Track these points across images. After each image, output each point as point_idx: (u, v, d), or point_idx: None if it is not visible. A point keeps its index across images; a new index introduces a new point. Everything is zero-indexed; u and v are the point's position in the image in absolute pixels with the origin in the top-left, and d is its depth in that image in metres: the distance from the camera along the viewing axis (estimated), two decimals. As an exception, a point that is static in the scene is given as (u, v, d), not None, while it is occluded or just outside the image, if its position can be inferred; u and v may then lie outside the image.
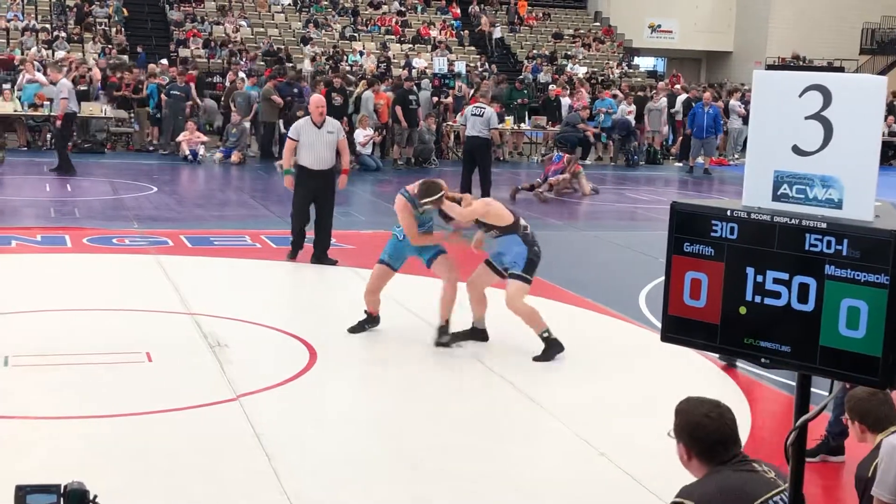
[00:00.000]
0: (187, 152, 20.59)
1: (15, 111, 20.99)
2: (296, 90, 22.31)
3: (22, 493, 2.70)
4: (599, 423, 6.39)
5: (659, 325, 8.77)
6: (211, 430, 6.00)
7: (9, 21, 31.02)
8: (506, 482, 5.43)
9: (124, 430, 5.89)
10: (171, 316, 8.44)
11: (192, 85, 23.28)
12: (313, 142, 10.83)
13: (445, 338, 7.94)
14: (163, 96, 22.11)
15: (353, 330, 8.18)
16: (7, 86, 21.63)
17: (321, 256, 11.09)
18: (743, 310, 2.70)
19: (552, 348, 7.69)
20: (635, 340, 8.52)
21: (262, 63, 29.14)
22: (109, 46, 29.62)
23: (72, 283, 9.44)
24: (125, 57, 28.42)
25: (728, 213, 2.73)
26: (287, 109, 21.53)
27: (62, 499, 2.72)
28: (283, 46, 32.57)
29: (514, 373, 7.25)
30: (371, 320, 8.30)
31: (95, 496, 2.76)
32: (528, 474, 5.53)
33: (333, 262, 11.01)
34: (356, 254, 11.67)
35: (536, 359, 7.63)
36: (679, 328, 2.87)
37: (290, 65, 28.77)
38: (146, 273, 10.07)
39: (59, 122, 17.74)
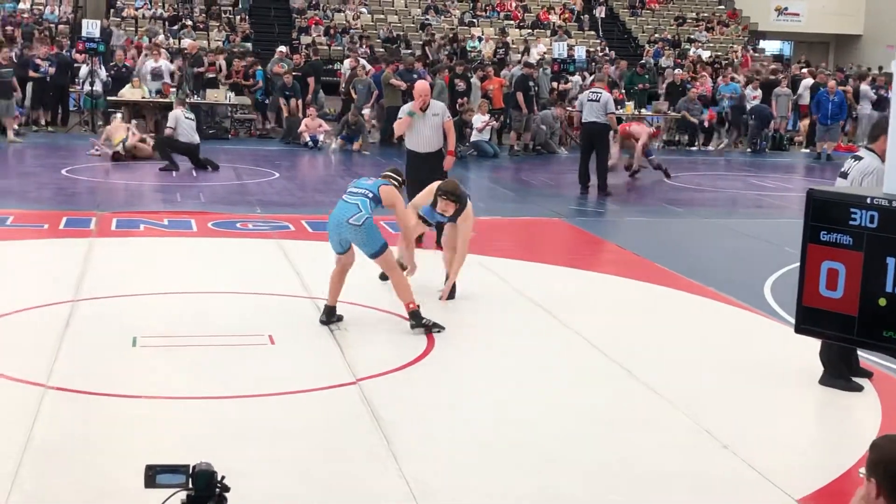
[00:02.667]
0: (308, 139, 20.88)
1: (143, 98, 21.57)
2: (415, 76, 22.41)
3: (152, 472, 2.75)
4: (722, 413, 6.26)
5: (785, 315, 8.58)
6: (331, 413, 6.07)
7: (137, 9, 31.90)
8: (628, 472, 5.36)
9: (248, 412, 6.01)
10: (293, 300, 8.57)
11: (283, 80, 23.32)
12: (418, 126, 10.89)
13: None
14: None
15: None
16: (136, 73, 22.25)
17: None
18: (883, 302, 2.59)
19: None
20: (760, 331, 8.32)
21: (381, 50, 29.36)
22: (233, 35, 30.21)
23: (197, 266, 9.66)
24: (248, 45, 28.96)
25: (868, 200, 2.62)
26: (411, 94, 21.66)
27: (190, 479, 2.76)
28: (402, 33, 32.76)
29: (632, 361, 7.16)
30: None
31: (223, 477, 2.80)
32: (651, 465, 5.45)
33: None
34: (474, 240, 11.61)
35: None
36: (814, 319, 2.77)
37: (409, 51, 28.93)
38: (268, 257, 10.24)
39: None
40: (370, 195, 7.87)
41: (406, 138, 11.03)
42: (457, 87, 21.32)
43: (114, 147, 17.70)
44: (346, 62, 24.82)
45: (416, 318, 7.73)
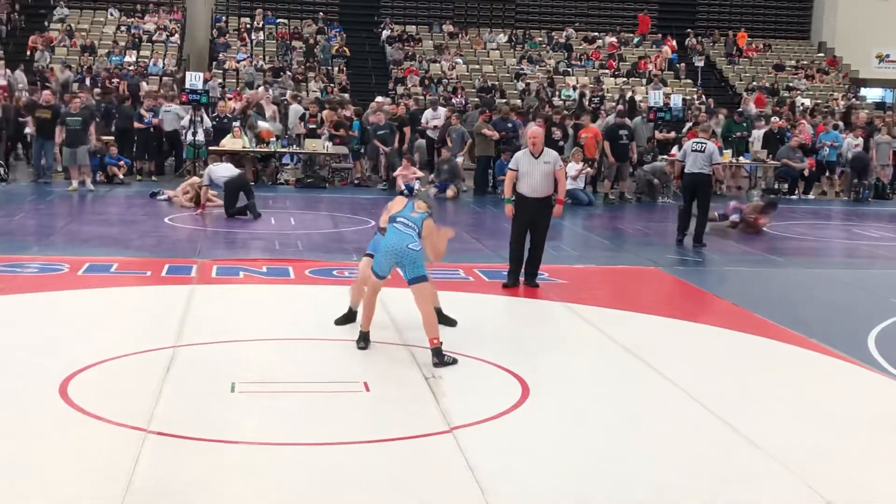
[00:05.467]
0: (403, 187, 21.07)
1: (244, 148, 22.04)
2: (510, 125, 22.53)
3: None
4: (826, 469, 6.09)
5: (890, 369, 8.33)
6: (426, 462, 6.06)
7: (239, 62, 32.70)
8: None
9: (344, 460, 6.03)
10: (388, 347, 8.61)
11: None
12: (530, 171, 11.36)
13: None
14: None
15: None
16: (237, 124, 22.77)
17: (530, 280, 11.54)
18: None
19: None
20: (865, 384, 8.10)
21: (475, 100, 29.59)
22: (332, 85, 30.74)
23: (294, 312, 9.78)
24: (346, 95, 29.45)
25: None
26: (504, 143, 21.78)
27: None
28: (496, 82, 32.98)
29: (731, 413, 7.01)
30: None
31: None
32: (750, 521, 5.31)
33: (537, 286, 11.45)
34: (568, 288, 11.62)
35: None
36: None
37: (503, 100, 29.10)
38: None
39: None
40: (417, 227, 8.37)
41: (518, 183, 11.44)
42: (553, 136, 21.35)
43: (183, 203, 18.15)
44: (441, 111, 25.04)
45: (438, 355, 8.00)
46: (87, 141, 20.36)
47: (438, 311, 9.02)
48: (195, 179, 19.01)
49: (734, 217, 17.63)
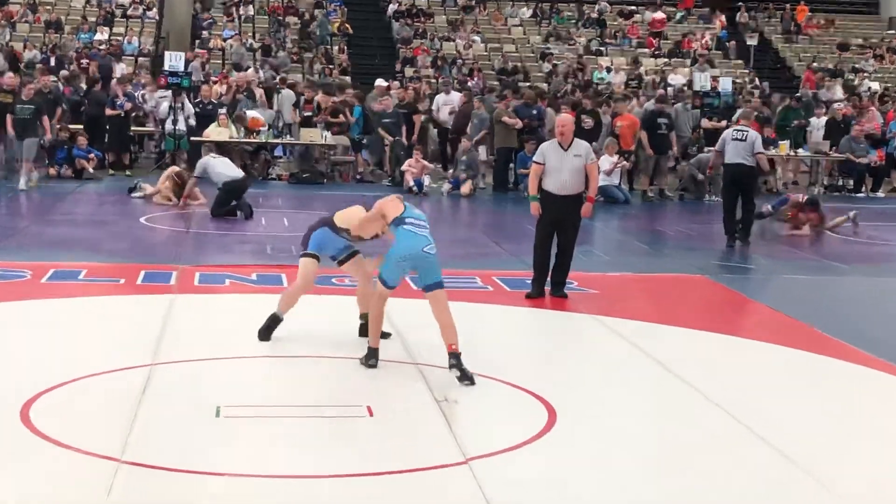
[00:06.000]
0: (411, 183, 21.09)
1: (231, 138, 22.10)
2: (534, 111, 22.54)
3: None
4: (895, 507, 6.09)
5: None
6: (438, 498, 6.06)
7: (225, 40, 32.77)
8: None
9: (344, 494, 6.05)
10: (395, 365, 8.63)
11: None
12: (558, 165, 11.34)
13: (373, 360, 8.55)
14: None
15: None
16: (223, 111, 22.85)
17: (557, 289, 11.52)
18: None
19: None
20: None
21: (495, 83, 29.62)
22: (331, 67, 30.77)
23: (288, 326, 9.79)
24: (347, 78, 29.50)
25: None
26: (527, 133, 21.77)
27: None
28: (519, 63, 32.99)
29: (785, 442, 6.98)
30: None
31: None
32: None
33: (565, 296, 11.48)
34: (600, 299, 11.63)
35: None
36: None
37: (528, 84, 29.11)
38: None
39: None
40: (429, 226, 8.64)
41: (544, 178, 11.43)
42: (583, 125, 21.37)
43: (163, 199, 18.20)
44: (455, 96, 25.05)
45: (458, 361, 8.16)
46: (39, 133, 20.31)
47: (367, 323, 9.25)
48: (174, 168, 19.09)
49: (766, 208, 17.64)
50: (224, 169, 17.34)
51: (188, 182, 18.07)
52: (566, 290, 11.61)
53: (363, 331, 9.30)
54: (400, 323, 9.79)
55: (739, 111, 20.45)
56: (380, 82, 25.55)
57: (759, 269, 14.55)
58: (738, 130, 16.01)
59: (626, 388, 8.39)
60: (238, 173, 17.52)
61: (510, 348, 9.58)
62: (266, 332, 9.23)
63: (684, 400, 8.02)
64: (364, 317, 9.34)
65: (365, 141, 23.64)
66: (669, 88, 28.54)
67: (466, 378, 8.09)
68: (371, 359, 8.52)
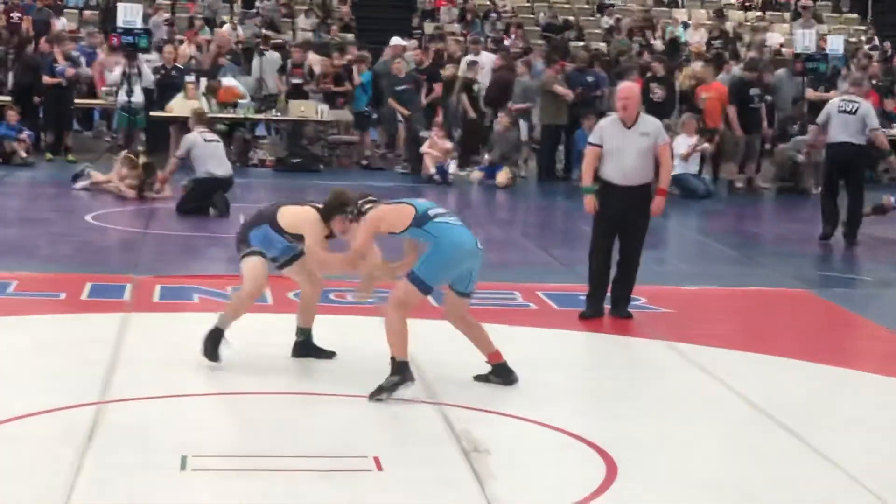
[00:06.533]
0: (432, 170, 21.08)
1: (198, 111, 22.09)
2: (590, 79, 22.52)
3: None
4: None
5: None
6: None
7: (194, -11, 32.83)
8: None
9: (343, 569, 6.06)
10: (410, 406, 8.63)
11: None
12: (620, 147, 11.26)
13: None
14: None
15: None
16: (191, 78, 22.85)
17: (619, 307, 11.50)
18: None
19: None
20: None
21: (539, 42, 29.60)
22: (329, 22, 30.81)
23: (272, 354, 9.80)
24: (350, 35, 29.53)
25: None
26: (582, 106, 21.71)
27: None
28: (571, 17, 32.98)
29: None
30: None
31: None
32: None
33: (629, 316, 11.47)
34: (675, 320, 11.62)
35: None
36: None
37: (582, 43, 29.11)
38: (373, 342, 10.32)
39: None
40: None
41: (603, 165, 11.41)
42: (653, 96, 21.35)
43: (121, 191, 18.29)
44: (487, 58, 24.99)
45: (504, 373, 9.01)
46: None
47: (308, 340, 9.68)
48: (122, 153, 19.09)
49: (887, 199, 17.59)
50: (211, 159, 17.34)
51: (169, 166, 18.09)
52: (631, 309, 11.58)
53: (298, 350, 9.60)
54: (415, 351, 9.78)
55: (849, 76, 20.35)
56: (396, 41, 25.52)
57: (876, 280, 14.50)
58: (847, 101, 15.96)
59: (707, 435, 8.36)
60: (226, 170, 17.46)
61: (558, 384, 9.56)
62: (213, 351, 9.33)
63: (783, 452, 7.99)
64: (302, 332, 9.61)
65: (375, 116, 23.65)
66: (764, 50, 28.43)
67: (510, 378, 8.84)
68: (404, 373, 8.65)
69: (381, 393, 8.58)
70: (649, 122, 11.50)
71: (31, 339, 10.30)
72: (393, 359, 8.70)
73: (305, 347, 9.65)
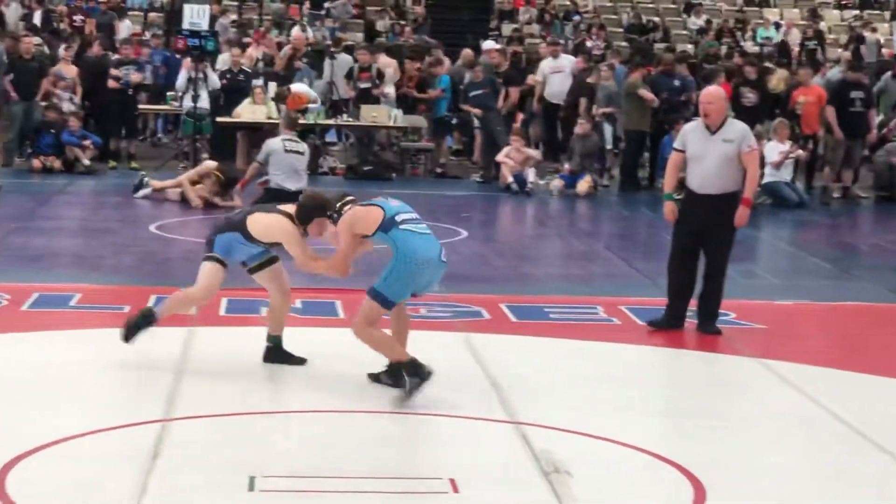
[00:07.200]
0: (510, 179, 21.05)
1: (269, 118, 22.16)
2: (676, 83, 22.43)
3: None
4: None
5: None
6: None
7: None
8: None
9: None
10: (486, 424, 8.63)
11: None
12: (702, 154, 11.24)
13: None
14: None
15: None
16: (259, 82, 22.95)
17: (706, 322, 11.39)
18: None
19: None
20: None
21: (622, 44, 29.52)
22: (402, 23, 30.89)
23: (343, 370, 9.83)
24: (425, 37, 29.58)
25: None
26: (665, 112, 21.63)
27: None
28: (656, 18, 32.87)
29: None
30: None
31: None
32: None
33: (717, 332, 11.32)
34: (767, 336, 11.54)
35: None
36: None
37: (667, 45, 29.00)
38: (451, 358, 10.32)
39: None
40: None
41: (686, 171, 11.46)
42: (744, 101, 21.21)
43: (191, 198, 18.38)
44: (567, 61, 24.94)
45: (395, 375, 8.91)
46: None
47: (278, 346, 9.89)
48: (209, 164, 19.16)
49: None
50: (287, 170, 17.34)
51: (249, 170, 18.18)
52: (720, 325, 11.49)
53: (268, 356, 9.80)
54: (494, 366, 9.79)
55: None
56: (489, 45, 25.53)
57: None
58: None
59: (799, 457, 8.31)
60: (299, 184, 17.33)
61: (642, 402, 9.51)
62: (133, 330, 9.65)
63: (879, 475, 7.91)
64: (272, 339, 9.79)
65: (455, 121, 23.64)
66: (863, 49, 28.20)
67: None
68: (419, 371, 8.75)
69: (404, 399, 8.74)
70: (734, 128, 11.38)
71: (95, 354, 10.37)
72: (398, 364, 8.86)
73: (275, 353, 9.84)
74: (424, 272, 8.97)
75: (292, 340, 10.02)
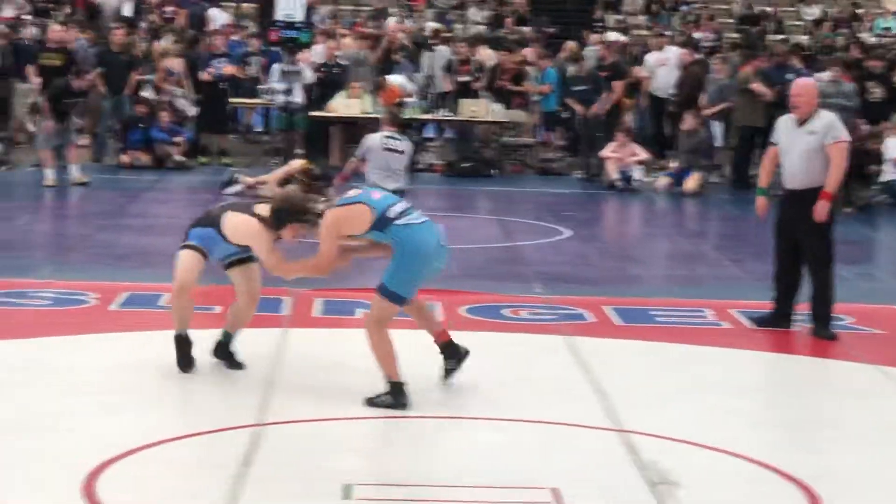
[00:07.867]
0: (615, 176, 20.99)
1: (364, 113, 22.18)
2: (790, 76, 22.23)
3: None
4: None
5: None
6: None
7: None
8: None
9: None
10: (590, 432, 8.60)
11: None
12: (789, 147, 11.35)
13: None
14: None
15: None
16: (362, 73, 22.96)
17: (818, 326, 11.37)
18: None
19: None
20: None
21: (732, 36, 29.32)
22: (503, 11, 30.82)
23: (428, 374, 9.80)
24: (525, 28, 29.54)
25: None
26: (779, 106, 21.45)
27: None
28: (769, 8, 32.59)
29: None
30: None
31: None
32: None
33: (832, 336, 11.29)
34: (886, 343, 11.40)
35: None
36: None
37: (782, 36, 28.76)
38: (552, 363, 10.32)
39: None
40: None
41: (780, 165, 11.51)
42: (869, 96, 20.97)
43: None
44: (674, 52, 24.79)
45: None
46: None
47: (226, 344, 9.89)
48: (297, 163, 19.23)
49: None
50: (383, 170, 17.22)
51: (348, 165, 18.20)
52: (836, 330, 11.39)
53: (216, 351, 9.88)
54: (598, 370, 9.76)
55: None
56: (615, 37, 25.49)
57: None
58: None
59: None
60: (397, 183, 17.12)
61: (753, 411, 9.46)
62: (187, 361, 9.69)
63: None
64: (226, 335, 9.84)
65: (564, 115, 23.57)
66: None
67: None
68: (398, 397, 8.85)
69: (370, 405, 8.85)
70: (822, 119, 11.34)
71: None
72: (388, 378, 8.92)
73: (221, 350, 9.88)
74: (432, 262, 9.02)
75: (403, 344, 10.07)
